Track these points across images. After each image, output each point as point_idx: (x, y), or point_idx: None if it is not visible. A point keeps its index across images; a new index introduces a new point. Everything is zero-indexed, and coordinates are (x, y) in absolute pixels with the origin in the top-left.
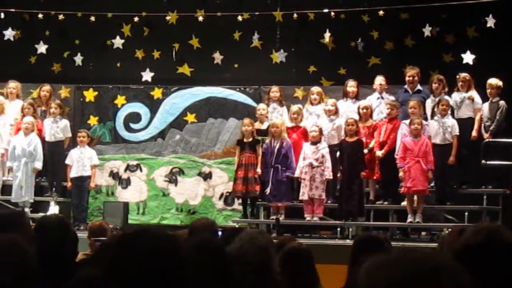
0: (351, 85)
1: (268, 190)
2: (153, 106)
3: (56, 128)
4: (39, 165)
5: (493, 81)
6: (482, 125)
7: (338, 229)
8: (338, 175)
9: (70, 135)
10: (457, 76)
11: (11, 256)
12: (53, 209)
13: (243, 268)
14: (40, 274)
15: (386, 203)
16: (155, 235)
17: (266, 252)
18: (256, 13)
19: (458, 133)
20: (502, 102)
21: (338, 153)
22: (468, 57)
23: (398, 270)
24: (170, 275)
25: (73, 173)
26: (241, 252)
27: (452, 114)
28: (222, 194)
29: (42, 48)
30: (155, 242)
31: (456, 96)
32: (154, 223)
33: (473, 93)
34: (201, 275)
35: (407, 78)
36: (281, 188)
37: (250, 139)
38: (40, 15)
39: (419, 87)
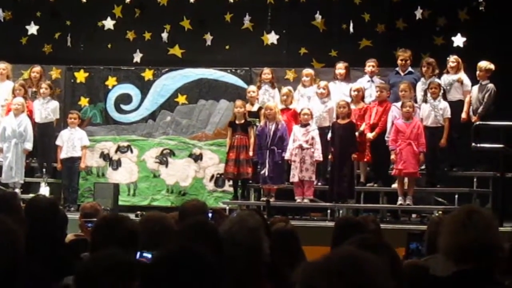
0: (339, 67)
1: (266, 172)
2: (144, 87)
3: (47, 108)
4: (29, 146)
5: (483, 64)
6: (471, 107)
7: (329, 211)
8: (329, 157)
9: (58, 116)
10: (447, 59)
11: (0, 236)
12: (44, 190)
13: (233, 249)
14: (29, 254)
15: (376, 185)
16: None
17: (256, 234)
18: None
19: (450, 116)
20: (490, 85)
21: (329, 135)
22: (459, 40)
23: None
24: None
25: (63, 154)
26: (231, 234)
27: (444, 97)
28: (212, 176)
29: (33, 29)
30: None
31: (445, 79)
32: (145, 204)
33: (462, 76)
34: None
35: (399, 61)
36: (277, 170)
37: (242, 121)
38: None
39: (410, 69)
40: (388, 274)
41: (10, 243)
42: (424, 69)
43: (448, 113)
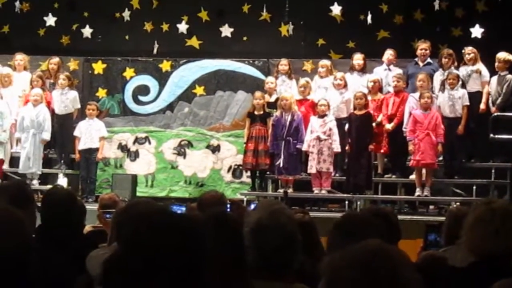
0: (357, 58)
1: (281, 163)
2: (162, 78)
3: (65, 100)
4: (47, 136)
5: (502, 55)
6: (490, 98)
7: (346, 202)
8: (346, 148)
9: (79, 106)
10: (463, 50)
11: (6, 225)
12: (62, 181)
13: (274, 239)
14: (46, 244)
15: (394, 176)
16: (170, 212)
17: (295, 223)
18: None
19: (468, 103)
20: (509, 76)
21: (347, 126)
22: (477, 31)
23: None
24: (190, 254)
25: (81, 145)
26: (276, 223)
27: (463, 86)
28: (230, 167)
29: (51, 20)
30: (173, 220)
31: (463, 70)
32: (163, 195)
33: (480, 66)
34: (219, 248)
35: (419, 51)
36: (292, 161)
37: (261, 112)
38: None
39: (429, 60)
40: (414, 267)
41: (15, 231)
42: (445, 60)
43: (466, 101)
